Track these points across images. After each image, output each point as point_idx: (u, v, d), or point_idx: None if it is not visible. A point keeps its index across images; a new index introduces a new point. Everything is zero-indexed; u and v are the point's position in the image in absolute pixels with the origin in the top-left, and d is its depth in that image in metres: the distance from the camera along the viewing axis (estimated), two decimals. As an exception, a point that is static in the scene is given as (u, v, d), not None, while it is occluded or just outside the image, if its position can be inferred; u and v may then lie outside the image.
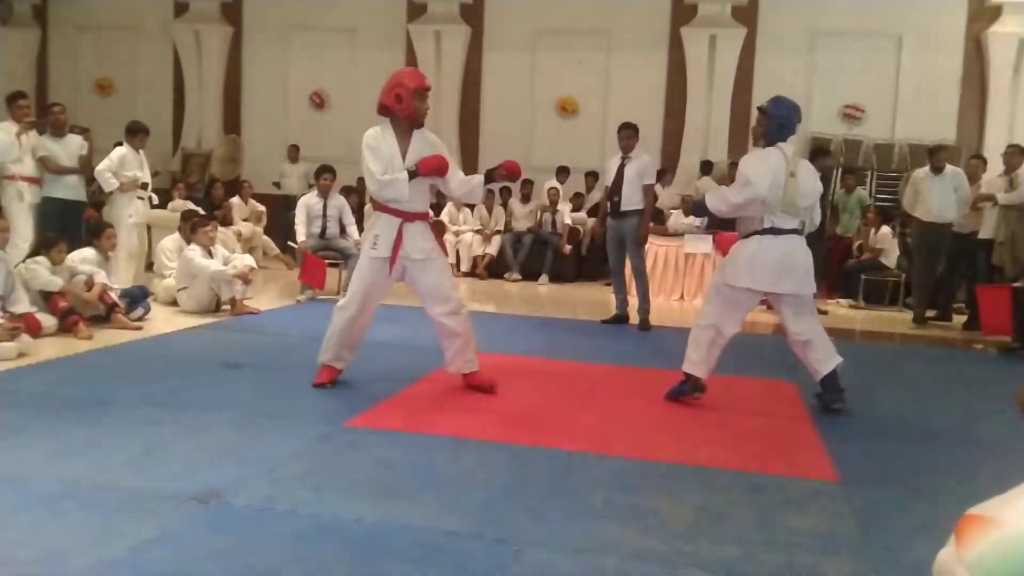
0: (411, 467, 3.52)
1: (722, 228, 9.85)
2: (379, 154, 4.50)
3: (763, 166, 4.57)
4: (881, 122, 11.93)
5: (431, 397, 4.77)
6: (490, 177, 4.81)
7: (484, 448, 3.83)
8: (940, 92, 11.70)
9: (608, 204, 7.55)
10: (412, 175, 4.47)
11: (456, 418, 4.33)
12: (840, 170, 11.12)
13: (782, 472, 3.70)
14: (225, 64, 13.75)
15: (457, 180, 4.75)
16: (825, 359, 4.76)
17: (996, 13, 11.32)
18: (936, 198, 8.24)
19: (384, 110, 4.59)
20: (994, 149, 10.65)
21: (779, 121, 4.69)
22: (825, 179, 7.68)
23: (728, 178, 11.14)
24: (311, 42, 13.48)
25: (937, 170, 8.33)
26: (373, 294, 4.73)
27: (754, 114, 12.20)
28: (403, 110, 4.52)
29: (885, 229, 9.95)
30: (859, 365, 6.47)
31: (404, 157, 4.51)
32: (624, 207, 7.33)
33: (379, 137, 4.55)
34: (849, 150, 11.77)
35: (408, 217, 4.58)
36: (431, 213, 4.97)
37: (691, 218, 10.43)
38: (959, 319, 8.61)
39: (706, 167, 11.58)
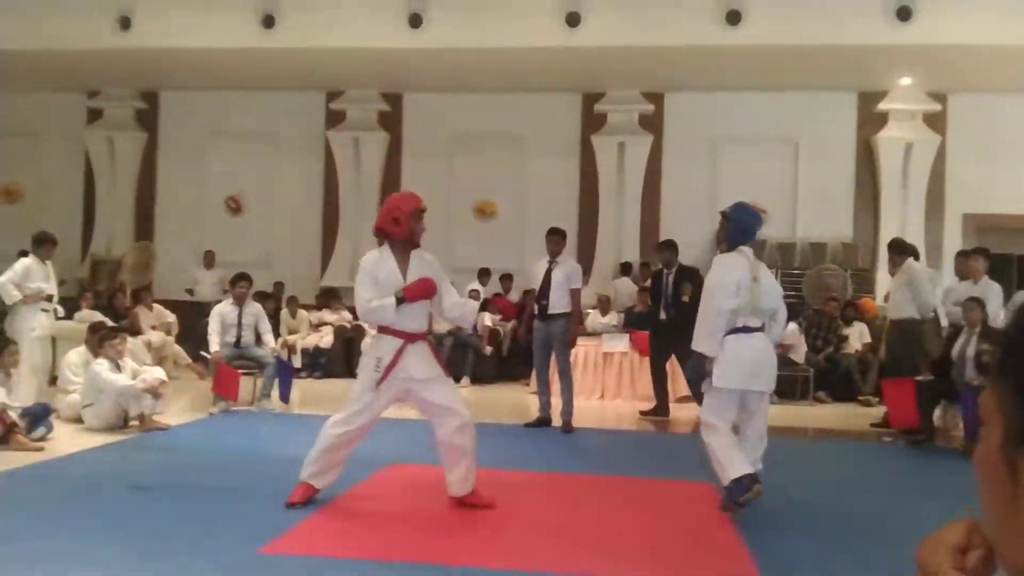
0: (331, 596, 3.39)
1: (637, 327, 10.10)
2: (373, 279, 4.52)
3: (727, 278, 4.76)
4: (783, 222, 12.48)
5: (352, 514, 4.64)
6: (484, 306, 4.94)
7: (408, 571, 3.73)
8: (836, 193, 12.38)
9: (536, 307, 7.63)
10: (400, 301, 4.46)
11: (379, 538, 4.21)
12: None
13: (707, 582, 3.70)
14: (138, 169, 13.61)
15: (450, 301, 4.77)
16: (753, 460, 4.86)
17: (883, 120, 12.14)
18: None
19: (381, 233, 4.65)
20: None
21: (740, 226, 4.92)
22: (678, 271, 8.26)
23: (641, 278, 11.48)
24: (228, 147, 13.51)
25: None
26: (373, 415, 4.65)
27: (664, 216, 12.77)
28: (401, 232, 4.56)
29: (792, 326, 10.28)
30: (777, 461, 6.61)
31: (405, 277, 4.56)
32: (552, 310, 7.45)
33: (378, 261, 4.58)
34: (754, 249, 12.20)
35: (409, 338, 4.54)
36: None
37: (608, 317, 10.64)
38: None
39: (625, 268, 11.87)
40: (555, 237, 7.62)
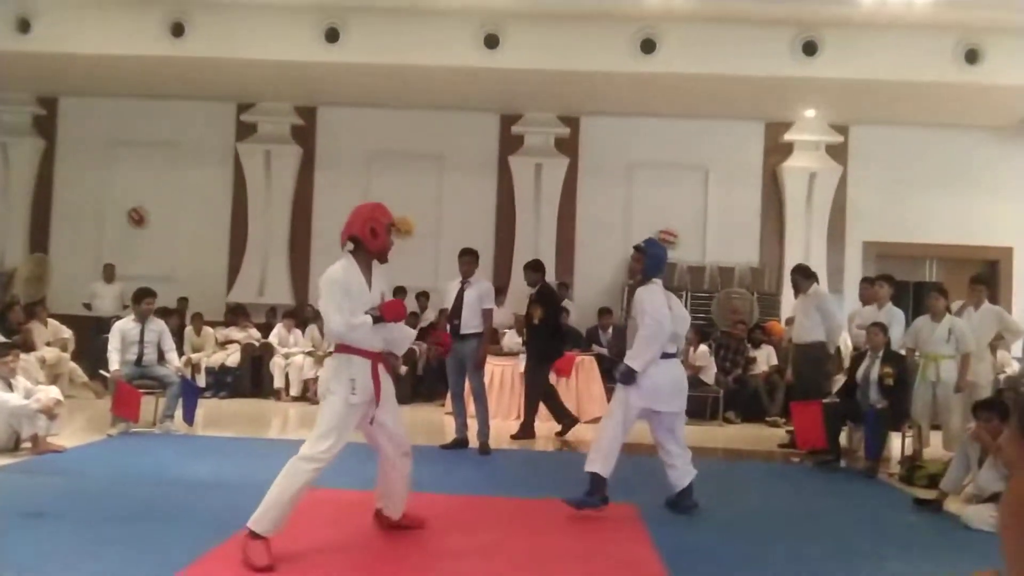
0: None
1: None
2: (346, 293, 4.19)
3: (660, 303, 5.24)
4: (693, 246, 12.79)
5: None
6: (423, 336, 4.77)
7: (325, 601, 3.59)
8: (744, 219, 12.75)
9: (448, 327, 7.56)
10: (376, 320, 4.22)
11: (291, 568, 4.03)
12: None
13: (631, 607, 3.68)
14: (35, 178, 12.97)
15: (399, 326, 4.53)
16: (686, 474, 5.40)
17: (789, 149, 12.58)
18: None
19: (353, 241, 4.34)
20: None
21: (655, 260, 5.39)
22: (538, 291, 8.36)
23: (559, 297, 11.52)
24: (132, 156, 13.00)
25: None
26: (345, 443, 4.27)
27: (579, 237, 12.91)
28: (377, 244, 4.31)
29: (703, 347, 10.52)
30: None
31: (370, 290, 4.30)
32: (464, 330, 7.41)
33: (349, 273, 4.26)
34: (665, 272, 12.45)
35: (376, 358, 4.31)
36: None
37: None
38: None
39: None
40: (467, 257, 7.61)
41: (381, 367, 4.35)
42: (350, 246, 4.36)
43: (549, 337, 8.40)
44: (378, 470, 4.62)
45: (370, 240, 4.31)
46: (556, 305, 8.62)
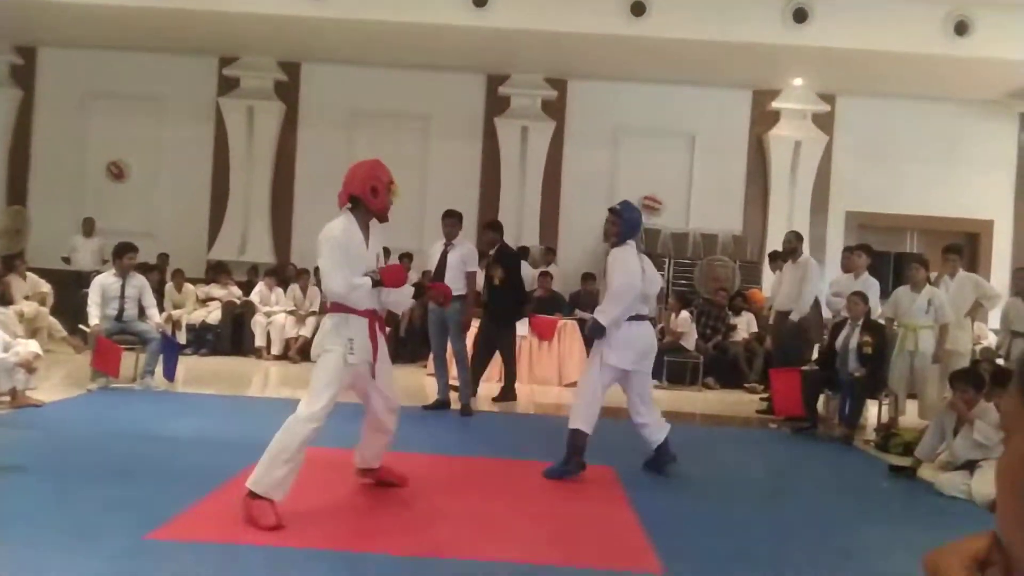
0: (225, 584, 3.24)
1: (537, 311, 10.14)
2: (346, 252, 4.14)
3: (632, 263, 5.29)
4: (677, 213, 12.79)
5: (240, 501, 4.44)
6: (418, 292, 4.69)
7: (306, 558, 3.60)
8: (728, 187, 12.74)
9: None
10: (376, 283, 4.19)
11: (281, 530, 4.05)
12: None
13: (610, 566, 3.73)
14: (12, 130, 12.73)
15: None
16: (660, 429, 5.48)
17: (775, 118, 12.56)
18: None
19: (352, 201, 4.27)
20: (775, 240, 11.70)
21: (631, 223, 5.41)
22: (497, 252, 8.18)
23: (543, 262, 11.53)
24: (112, 109, 12.77)
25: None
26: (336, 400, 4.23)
27: (564, 202, 12.84)
28: (378, 204, 4.25)
29: (684, 314, 10.57)
30: (670, 446, 6.76)
31: (368, 250, 4.25)
32: None
33: (349, 232, 4.19)
34: (649, 238, 12.46)
35: (373, 316, 4.29)
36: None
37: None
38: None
39: (523, 252, 11.88)
40: (450, 219, 7.54)
41: (376, 327, 4.33)
42: (349, 205, 4.29)
43: (512, 297, 8.30)
44: (363, 426, 4.63)
45: (370, 199, 4.25)
46: (516, 265, 8.49)
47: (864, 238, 11.06)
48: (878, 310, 8.02)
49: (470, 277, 7.52)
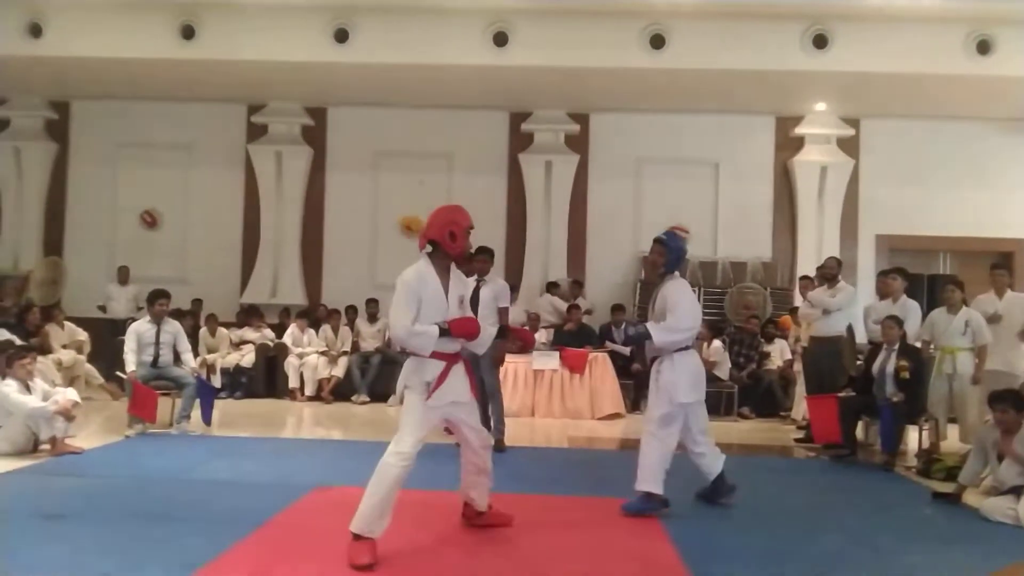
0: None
1: (568, 344, 10.14)
2: (416, 298, 4.16)
3: (692, 296, 5.39)
4: (704, 242, 12.72)
5: (280, 542, 4.46)
6: (503, 334, 4.69)
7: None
8: (755, 214, 12.70)
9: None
10: (443, 332, 4.16)
11: (309, 565, 4.06)
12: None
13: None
14: (48, 182, 13.04)
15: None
16: (717, 459, 5.53)
17: (799, 143, 12.53)
18: None
19: (431, 245, 4.30)
20: (805, 266, 11.63)
21: (678, 253, 5.36)
22: None
23: (571, 295, 11.54)
24: (144, 159, 13.03)
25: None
26: (424, 439, 4.29)
27: (591, 234, 12.86)
28: (456, 248, 4.28)
29: (716, 343, 10.50)
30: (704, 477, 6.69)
31: (447, 297, 4.26)
32: None
33: (423, 279, 4.21)
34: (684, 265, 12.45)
35: (452, 359, 4.30)
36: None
37: (538, 334, 10.63)
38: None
39: (552, 287, 11.91)
40: (482, 256, 7.52)
41: (459, 368, 4.34)
42: (428, 249, 4.31)
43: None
44: (462, 464, 4.68)
45: (449, 244, 4.27)
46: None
47: (896, 261, 10.95)
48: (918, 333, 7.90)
49: (502, 313, 7.53)
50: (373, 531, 4.06)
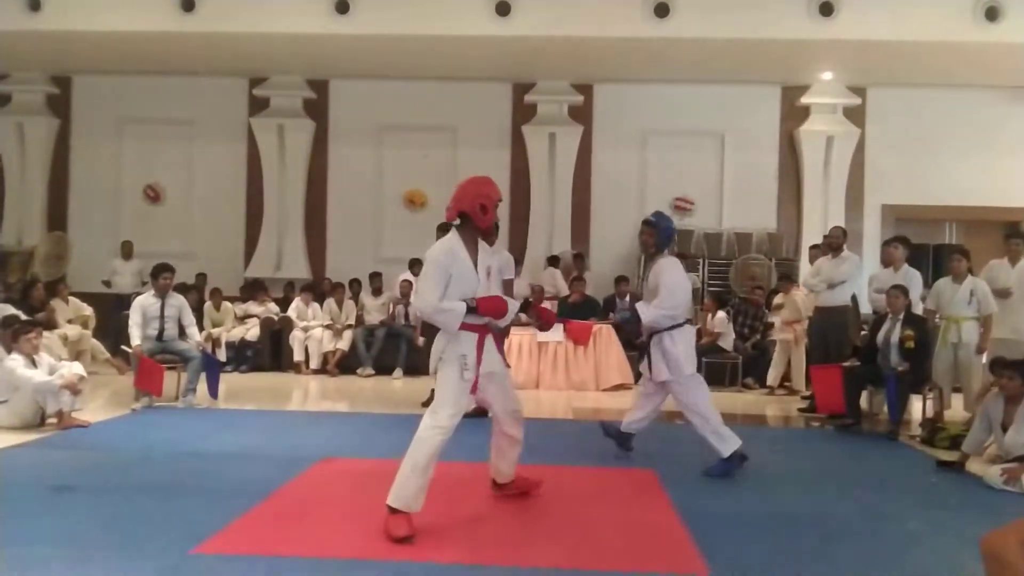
0: (272, 596, 3.27)
1: (571, 316, 10.12)
2: (446, 274, 4.09)
3: (682, 274, 5.63)
4: (709, 213, 12.70)
5: (286, 513, 4.49)
6: (525, 308, 4.64)
7: (350, 568, 3.62)
8: (760, 185, 12.62)
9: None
10: (471, 310, 4.11)
11: (316, 535, 4.08)
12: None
13: (655, 569, 3.70)
14: (51, 157, 13.01)
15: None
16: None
17: (805, 113, 12.42)
18: None
19: (461, 217, 4.22)
20: (810, 236, 11.58)
21: (666, 232, 5.64)
22: None
23: (574, 268, 11.51)
24: (146, 134, 13.02)
25: None
26: (463, 410, 4.28)
27: (595, 206, 12.79)
28: (487, 221, 4.23)
29: (721, 314, 10.48)
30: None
31: (476, 270, 4.22)
32: None
33: (453, 253, 4.15)
34: (682, 239, 12.40)
35: (483, 331, 4.26)
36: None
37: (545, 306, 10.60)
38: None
39: (553, 260, 11.89)
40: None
41: (491, 340, 4.31)
42: (457, 221, 4.25)
43: None
44: (492, 438, 4.71)
45: (479, 217, 4.20)
46: None
47: (902, 231, 10.89)
48: (920, 303, 7.88)
49: (507, 285, 7.56)
50: (411, 506, 4.02)
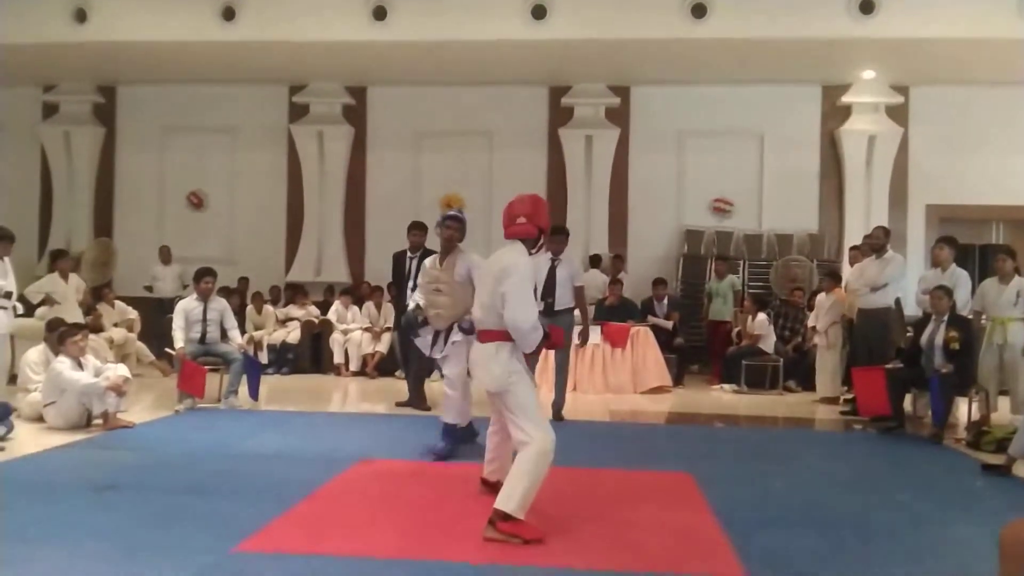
0: (309, 593, 3.30)
1: (609, 319, 10.10)
2: (533, 288, 4.27)
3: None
4: (749, 214, 12.59)
5: (325, 512, 4.54)
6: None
7: (387, 567, 3.64)
8: (801, 185, 12.47)
9: (542, 304, 7.61)
10: (544, 337, 4.27)
11: (354, 534, 4.12)
12: (713, 259, 11.68)
13: (690, 570, 3.68)
14: (97, 165, 13.32)
15: None
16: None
17: (847, 113, 12.25)
18: None
19: (539, 234, 4.36)
20: (852, 238, 11.41)
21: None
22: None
23: (612, 270, 11.47)
24: (189, 142, 13.27)
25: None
26: None
27: (632, 208, 12.78)
28: (540, 239, 4.43)
29: (761, 316, 10.37)
30: (751, 451, 6.65)
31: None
32: (558, 307, 7.60)
33: (537, 266, 4.46)
34: (720, 241, 12.33)
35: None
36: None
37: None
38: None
39: (594, 260, 11.86)
40: (558, 236, 7.70)
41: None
42: (532, 239, 4.36)
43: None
44: (488, 439, 4.76)
45: (544, 235, 4.42)
46: None
47: (946, 231, 10.67)
48: (968, 303, 7.73)
49: (578, 291, 7.72)
50: (526, 513, 4.06)
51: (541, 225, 4.34)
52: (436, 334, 6.14)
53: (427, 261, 6.53)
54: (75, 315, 8.98)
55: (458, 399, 5.99)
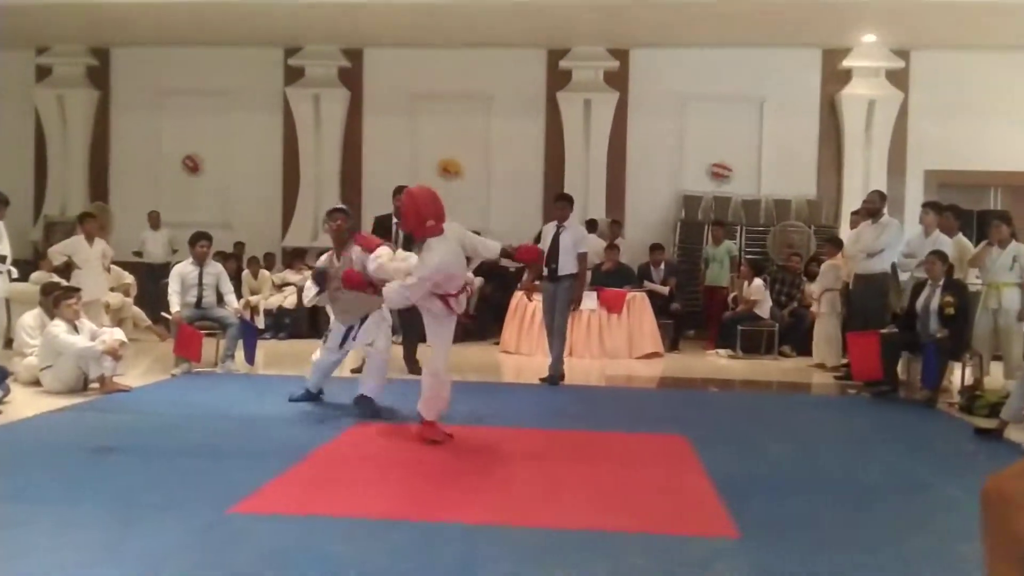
0: (304, 556, 3.31)
1: (605, 285, 10.10)
2: None
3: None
4: (747, 180, 12.54)
5: (321, 474, 4.58)
6: (506, 254, 5.16)
7: (382, 528, 3.67)
8: (800, 151, 12.41)
9: (545, 270, 7.77)
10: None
11: (350, 496, 4.16)
12: (710, 224, 11.64)
13: (684, 532, 3.71)
14: (91, 129, 13.21)
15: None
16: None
17: (847, 77, 12.15)
18: None
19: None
20: (851, 203, 11.37)
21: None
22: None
23: (610, 235, 11.44)
24: (184, 105, 13.14)
25: None
26: None
27: (630, 173, 12.72)
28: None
29: (758, 281, 10.37)
30: (745, 414, 6.70)
31: None
32: (561, 272, 7.67)
33: None
34: (718, 206, 12.29)
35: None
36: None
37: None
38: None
39: (591, 225, 11.80)
40: (561, 203, 7.85)
41: None
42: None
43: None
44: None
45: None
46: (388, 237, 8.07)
47: (945, 197, 10.63)
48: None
49: (581, 258, 7.80)
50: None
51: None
52: (348, 328, 6.24)
53: (322, 259, 6.57)
54: (98, 281, 8.93)
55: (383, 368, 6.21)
